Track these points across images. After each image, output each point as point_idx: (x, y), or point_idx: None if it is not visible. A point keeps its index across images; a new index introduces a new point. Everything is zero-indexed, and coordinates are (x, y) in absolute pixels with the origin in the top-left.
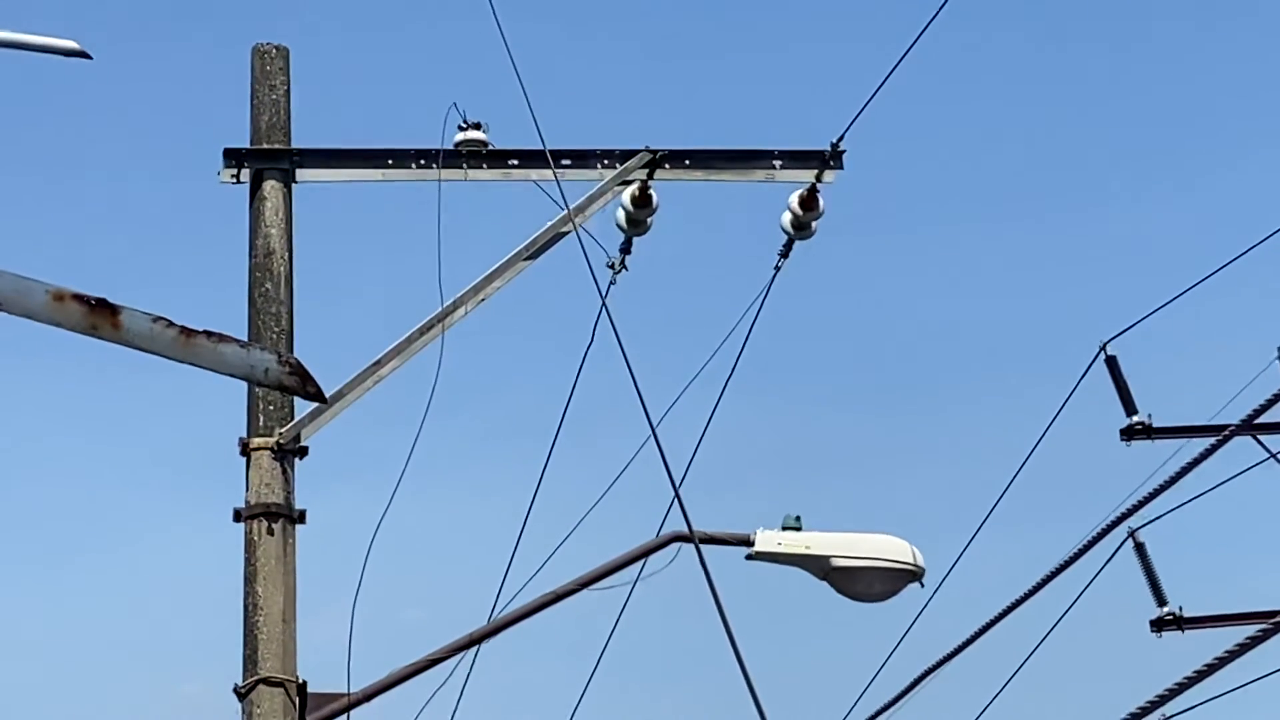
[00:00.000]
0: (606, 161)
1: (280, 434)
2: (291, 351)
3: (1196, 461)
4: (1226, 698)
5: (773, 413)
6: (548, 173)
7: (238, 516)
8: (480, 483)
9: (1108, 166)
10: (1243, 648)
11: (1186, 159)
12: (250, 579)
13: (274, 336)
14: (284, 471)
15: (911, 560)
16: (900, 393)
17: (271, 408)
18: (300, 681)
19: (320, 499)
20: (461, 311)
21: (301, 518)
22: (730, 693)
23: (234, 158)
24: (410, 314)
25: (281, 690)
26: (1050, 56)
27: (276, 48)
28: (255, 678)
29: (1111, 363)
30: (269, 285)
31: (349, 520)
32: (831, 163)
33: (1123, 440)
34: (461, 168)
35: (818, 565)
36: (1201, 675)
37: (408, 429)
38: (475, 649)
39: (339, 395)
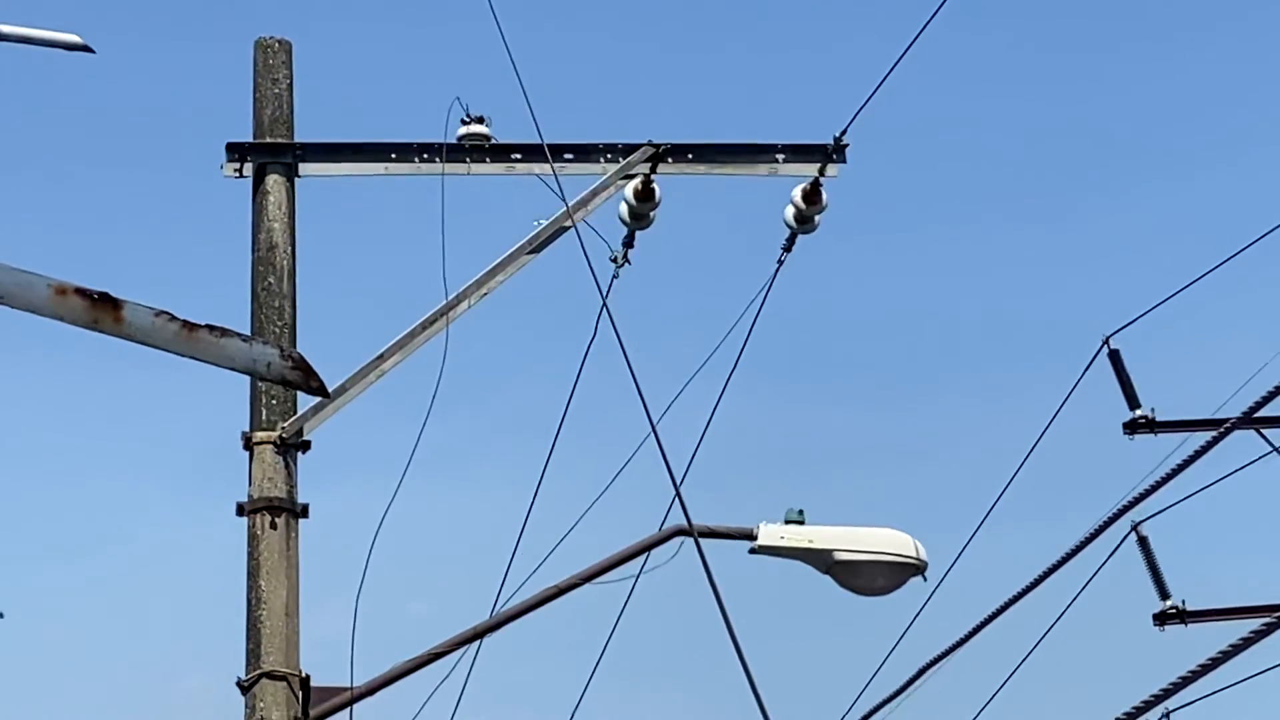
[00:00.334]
0: (609, 155)
1: (283, 428)
2: (294, 346)
3: (1199, 455)
4: (1229, 692)
5: (776, 406)
6: (550, 167)
7: (240, 510)
8: (483, 477)
9: (1110, 161)
10: (1246, 642)
11: (1189, 153)
12: (253, 573)
13: (277, 331)
14: (287, 465)
15: (914, 554)
16: (903, 386)
17: (274, 402)
18: (303, 675)
19: (323, 493)
20: (465, 305)
21: (304, 512)
22: (734, 687)
23: (237, 152)
24: (413, 308)
25: (284, 684)
26: (1053, 51)
27: (279, 41)
28: (258, 672)
29: (1114, 356)
30: (272, 279)
31: (352, 514)
32: (835, 157)
33: (1125, 434)
34: (464, 162)
35: (820, 559)
36: (1204, 670)
37: (411, 423)
38: (478, 643)
39: (342, 389)
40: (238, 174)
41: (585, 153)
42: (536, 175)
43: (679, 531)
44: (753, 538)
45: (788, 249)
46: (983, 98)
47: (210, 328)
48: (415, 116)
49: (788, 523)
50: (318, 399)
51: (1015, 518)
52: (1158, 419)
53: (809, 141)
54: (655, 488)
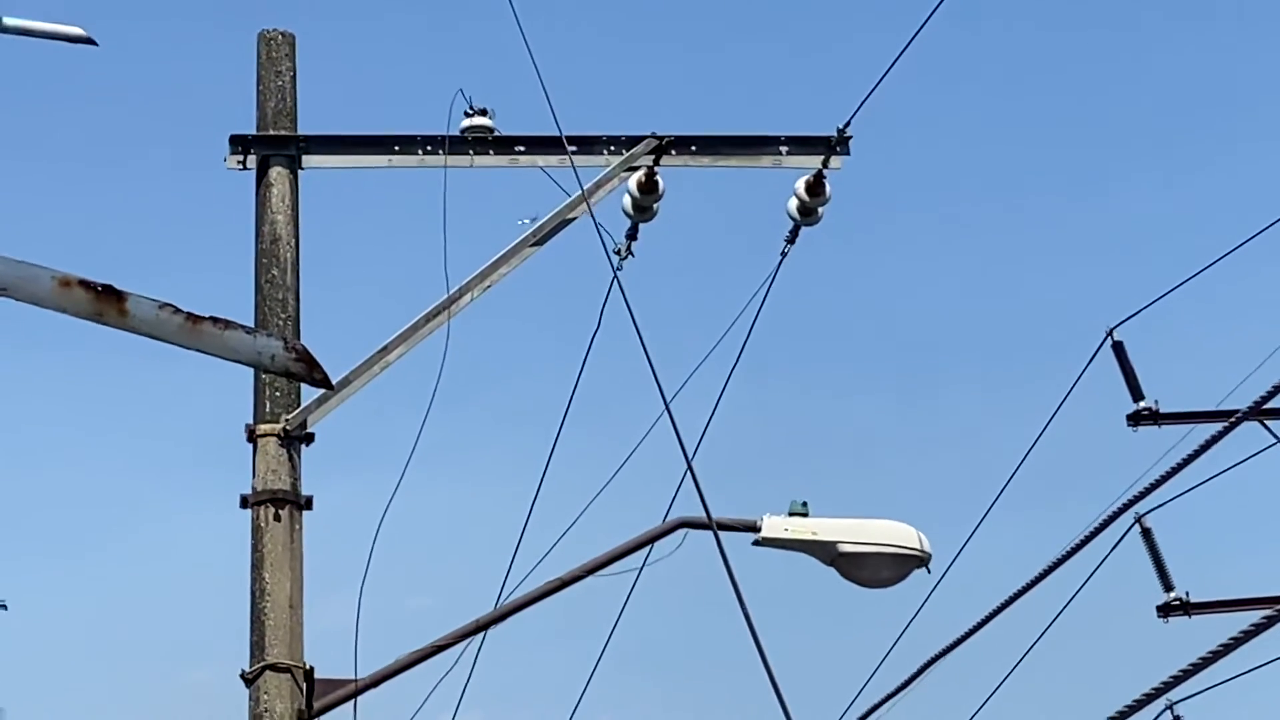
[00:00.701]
0: (613, 148)
1: (287, 420)
2: (298, 338)
3: (1204, 447)
4: (1233, 684)
5: (779, 399)
6: (554, 159)
7: (244, 503)
8: (487, 469)
9: (1115, 152)
10: (1249, 634)
11: (1193, 145)
12: (257, 565)
13: (280, 323)
14: (291, 458)
15: (918, 546)
16: (906, 378)
17: (278, 394)
18: (307, 668)
19: (327, 485)
20: (468, 298)
21: (308, 504)
22: (735, 677)
23: (240, 144)
24: (416, 300)
25: (288, 676)
26: (1056, 43)
27: (283, 34)
28: (262, 664)
29: (1118, 348)
30: (275, 271)
31: (356, 506)
32: (838, 149)
33: (1130, 426)
34: (468, 154)
35: (824, 551)
36: (1207, 661)
37: (414, 415)
38: (482, 635)
39: (346, 382)
40: (241, 166)
41: (589, 145)
42: (540, 167)
43: (682, 524)
44: (756, 530)
45: (791, 241)
46: (985, 91)
47: (214, 320)
48: (418, 109)
49: (791, 515)
50: (321, 391)
51: (1019, 510)
52: (1161, 411)
53: (812, 134)
54: (659, 480)
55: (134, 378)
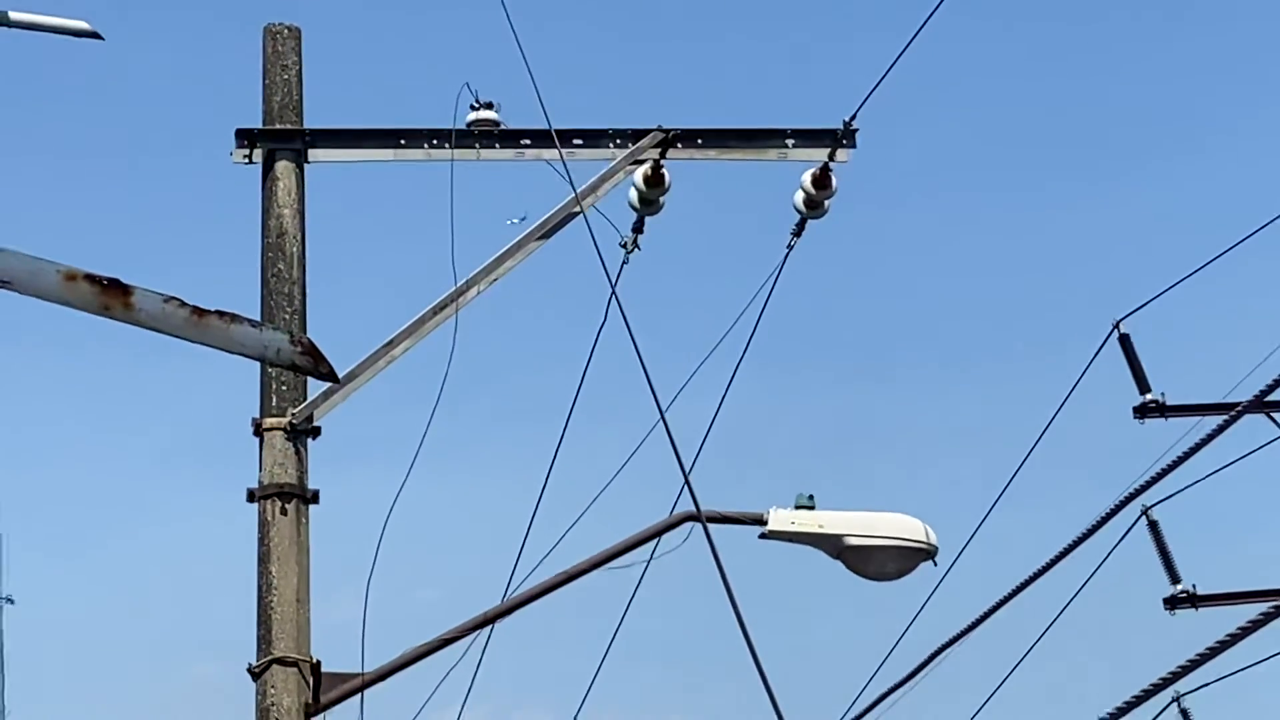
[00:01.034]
0: (619, 141)
1: (293, 414)
2: (304, 332)
3: (1209, 439)
4: (1240, 675)
5: (786, 392)
6: (559, 152)
7: (251, 497)
8: (493, 463)
9: (1121, 145)
10: (1255, 625)
11: (1199, 138)
12: (264, 559)
13: (287, 317)
14: (297, 452)
15: (924, 539)
16: (913, 371)
17: (284, 388)
18: (314, 661)
19: (333, 479)
20: (474, 291)
21: (315, 498)
22: (743, 670)
23: (246, 138)
24: (423, 294)
25: (295, 670)
26: (1062, 37)
27: (288, 28)
28: (269, 658)
29: (1125, 341)
30: (281, 266)
31: (362, 500)
32: (844, 142)
33: (1136, 418)
34: (474, 148)
35: (831, 544)
36: (1213, 652)
37: (421, 409)
38: (489, 629)
39: (352, 375)
40: (247, 160)
41: (594, 138)
42: (546, 161)
43: (689, 517)
44: (763, 523)
45: (797, 234)
46: (991, 84)
47: (220, 313)
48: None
49: (798, 508)
50: (328, 385)
51: (1026, 502)
52: (1168, 403)
53: (818, 126)
54: (666, 473)
55: (140, 372)
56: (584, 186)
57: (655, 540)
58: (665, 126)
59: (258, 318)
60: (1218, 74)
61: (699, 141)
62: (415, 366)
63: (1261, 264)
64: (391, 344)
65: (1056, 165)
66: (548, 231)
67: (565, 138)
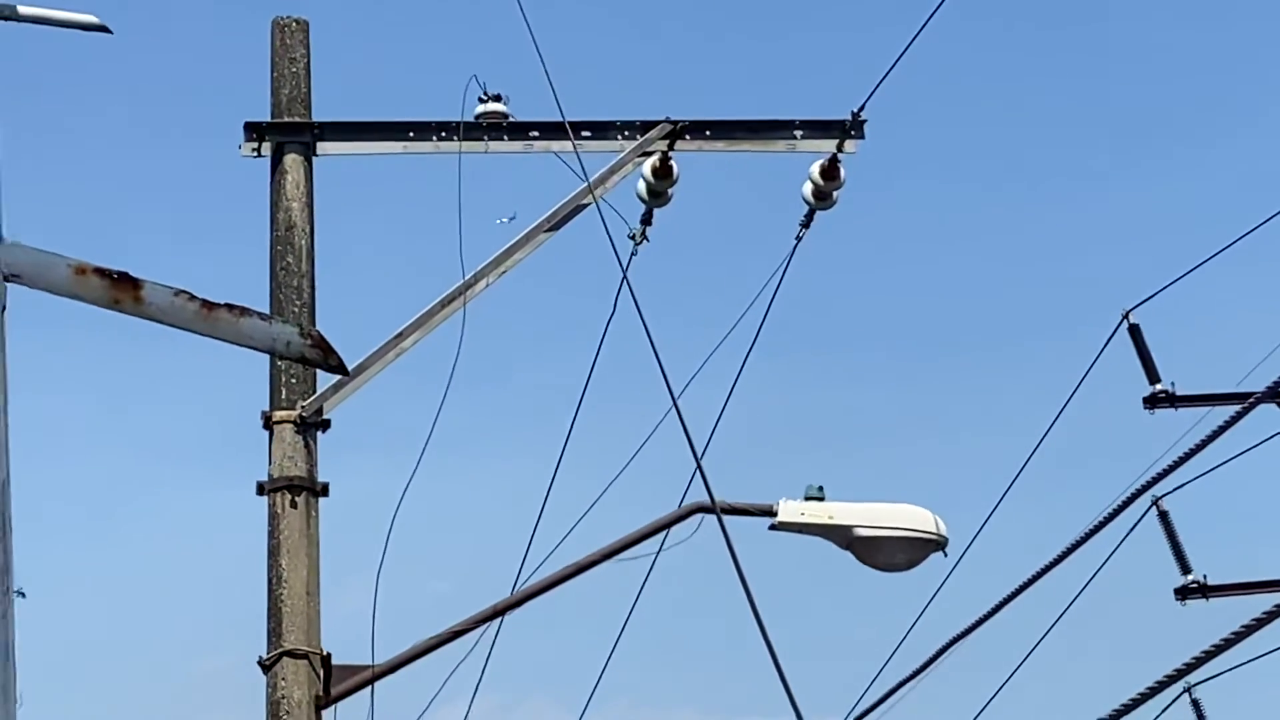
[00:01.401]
0: (627, 133)
1: (303, 407)
2: (313, 325)
3: (1220, 430)
4: (1251, 666)
5: (795, 383)
6: (568, 144)
7: (261, 490)
8: (503, 454)
9: (1131, 135)
10: (1268, 616)
11: (1210, 128)
12: (274, 552)
13: (296, 310)
14: (307, 445)
15: (934, 529)
16: (922, 362)
17: (294, 381)
18: (324, 654)
19: (343, 472)
20: (483, 284)
21: (324, 490)
22: (754, 663)
23: (255, 131)
24: (432, 286)
25: (306, 663)
26: (1070, 26)
27: (296, 21)
28: (279, 650)
29: (1134, 331)
30: (290, 259)
31: (372, 493)
32: (853, 133)
33: (1146, 409)
34: (482, 140)
35: (841, 535)
36: (1226, 644)
37: (430, 401)
38: (499, 620)
39: (361, 368)
40: (256, 153)
41: (603, 130)
42: (554, 153)
43: (699, 508)
44: (773, 514)
45: (806, 225)
46: (1000, 74)
47: (229, 306)
48: (433, 95)
49: (808, 499)
50: (337, 378)
51: (1036, 493)
52: (1178, 394)
53: (827, 118)
54: (675, 465)
55: (149, 366)
56: (593, 178)
57: (665, 532)
58: (673, 118)
59: (267, 311)
60: (1230, 64)
61: (707, 133)
62: (424, 359)
63: (1272, 254)
64: (401, 336)
65: (1065, 155)
66: (556, 223)
67: (574, 129)
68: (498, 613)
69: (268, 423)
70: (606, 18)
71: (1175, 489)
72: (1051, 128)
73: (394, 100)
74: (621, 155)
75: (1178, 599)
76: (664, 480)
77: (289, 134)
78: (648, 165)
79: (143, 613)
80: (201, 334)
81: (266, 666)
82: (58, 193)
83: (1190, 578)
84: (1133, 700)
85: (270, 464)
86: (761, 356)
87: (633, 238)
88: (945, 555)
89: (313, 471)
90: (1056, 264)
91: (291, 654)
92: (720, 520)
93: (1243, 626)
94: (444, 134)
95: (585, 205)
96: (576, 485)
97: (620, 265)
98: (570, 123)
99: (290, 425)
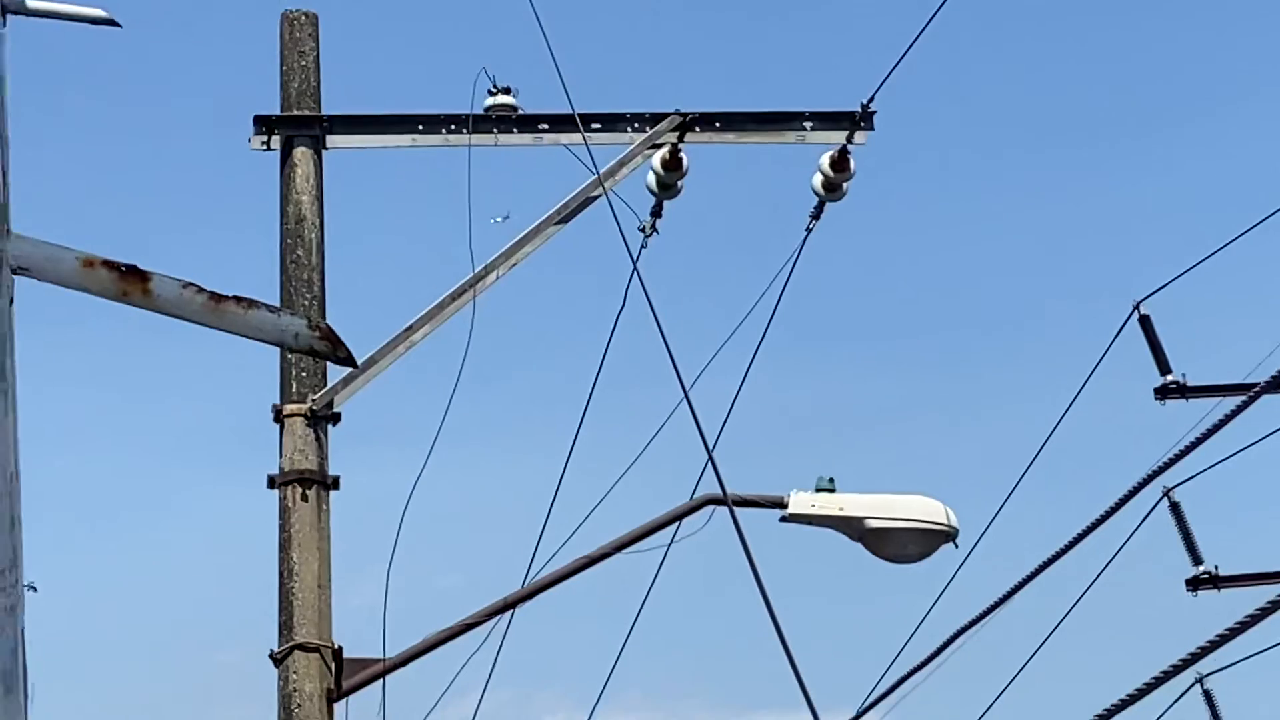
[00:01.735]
0: (636, 125)
1: (313, 400)
2: (324, 318)
3: (1228, 419)
4: (1262, 657)
5: (806, 375)
6: (578, 137)
7: (272, 483)
8: (514, 447)
9: (1141, 124)
10: (1278, 604)
11: (1221, 116)
12: (285, 545)
13: (306, 303)
14: (317, 438)
15: (945, 521)
16: (933, 353)
17: (304, 374)
18: (336, 647)
19: (354, 465)
20: (493, 276)
21: (335, 484)
22: (764, 653)
23: (264, 125)
24: (442, 279)
25: (317, 656)
26: (1080, 14)
27: (305, 14)
28: (290, 644)
29: (1145, 321)
30: (300, 252)
31: (383, 486)
32: (862, 124)
33: (1157, 400)
34: (492, 133)
35: (852, 527)
36: (1235, 632)
37: (440, 394)
38: (510, 613)
39: (372, 361)
40: (265, 147)
41: (612, 123)
42: (564, 145)
43: (710, 500)
44: (784, 506)
45: (816, 217)
46: (1008, 65)
47: (237, 299)
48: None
49: (818, 491)
50: (348, 371)
51: (1047, 484)
52: (1189, 384)
53: (837, 109)
54: (686, 457)
55: (160, 360)
56: (602, 171)
57: (676, 524)
58: (683, 110)
59: (277, 304)
60: (1239, 52)
61: (717, 125)
62: (435, 352)
63: None
64: (411, 329)
65: (1075, 146)
66: (566, 216)
67: (583, 122)
68: (509, 606)
69: (278, 416)
70: (615, 10)
71: (1186, 480)
72: (1059, 119)
73: (403, 93)
74: (631, 148)
75: (1189, 589)
76: (675, 472)
77: (298, 127)
78: (657, 157)
79: (153, 606)
80: (210, 327)
81: (278, 660)
82: (66, 186)
83: (1201, 569)
84: (1142, 688)
85: (281, 457)
86: (772, 348)
87: (643, 230)
88: (956, 547)
89: (324, 465)
90: (1067, 254)
91: (303, 647)
92: (731, 512)
93: (1249, 616)
94: (453, 127)
95: (595, 198)
96: (587, 478)
97: (630, 257)
98: (580, 115)
99: (301, 418)
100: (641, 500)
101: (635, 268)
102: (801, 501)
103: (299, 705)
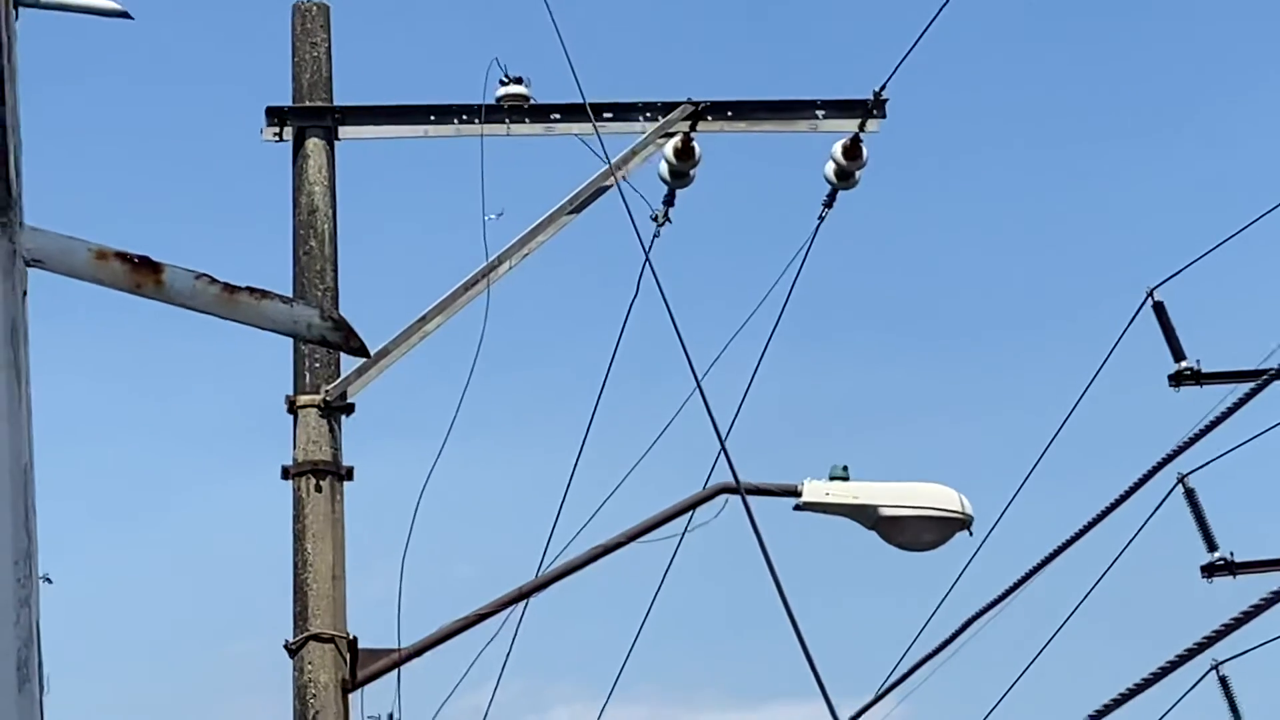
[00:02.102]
0: (649, 114)
1: (327, 391)
2: (337, 309)
3: (1242, 404)
4: (1278, 642)
5: (819, 363)
6: (589, 126)
7: (286, 474)
8: (527, 437)
9: (1154, 111)
10: None
11: (1233, 104)
12: (299, 536)
13: (319, 294)
14: (331, 429)
15: (960, 508)
16: (947, 341)
17: (318, 365)
18: (350, 637)
19: (368, 456)
20: (506, 266)
21: (349, 474)
22: (778, 643)
23: (276, 116)
24: (455, 269)
25: (332, 646)
26: (1094, 3)
27: (317, 5)
28: (306, 634)
29: (1159, 309)
30: (313, 243)
31: (397, 477)
32: (875, 112)
33: (1171, 386)
34: (504, 123)
35: (866, 515)
36: (1249, 616)
37: (454, 384)
38: (524, 603)
39: (385, 352)
40: (277, 138)
41: (624, 112)
42: (576, 135)
43: (724, 489)
44: (798, 494)
45: (829, 205)
46: (1021, 53)
47: (250, 290)
48: (454, 78)
49: (832, 479)
50: (361, 361)
51: (1061, 471)
52: (1203, 371)
53: (849, 97)
54: (699, 446)
55: (173, 351)
56: (615, 160)
57: (690, 513)
58: (695, 99)
59: (290, 295)
60: (1255, 39)
61: (729, 114)
62: (448, 342)
63: None
64: (424, 319)
65: (1087, 133)
66: (579, 206)
67: (595, 111)
68: (522, 596)
69: (292, 407)
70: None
71: (1201, 466)
72: (1072, 107)
73: (415, 84)
74: (643, 137)
75: (1204, 576)
76: (688, 462)
77: (310, 118)
78: (669, 146)
79: (169, 597)
80: (223, 317)
81: (293, 650)
82: (79, 178)
83: (1216, 555)
84: (1157, 672)
85: (295, 448)
86: (785, 337)
87: (655, 219)
88: (970, 534)
89: (337, 455)
90: (1080, 242)
91: (318, 638)
92: (745, 501)
93: (1262, 599)
94: (465, 117)
95: (607, 187)
96: (600, 468)
97: (643, 247)
98: (592, 104)
99: (314, 409)
100: (655, 490)
101: (648, 257)
102: (815, 490)
103: (314, 695)
